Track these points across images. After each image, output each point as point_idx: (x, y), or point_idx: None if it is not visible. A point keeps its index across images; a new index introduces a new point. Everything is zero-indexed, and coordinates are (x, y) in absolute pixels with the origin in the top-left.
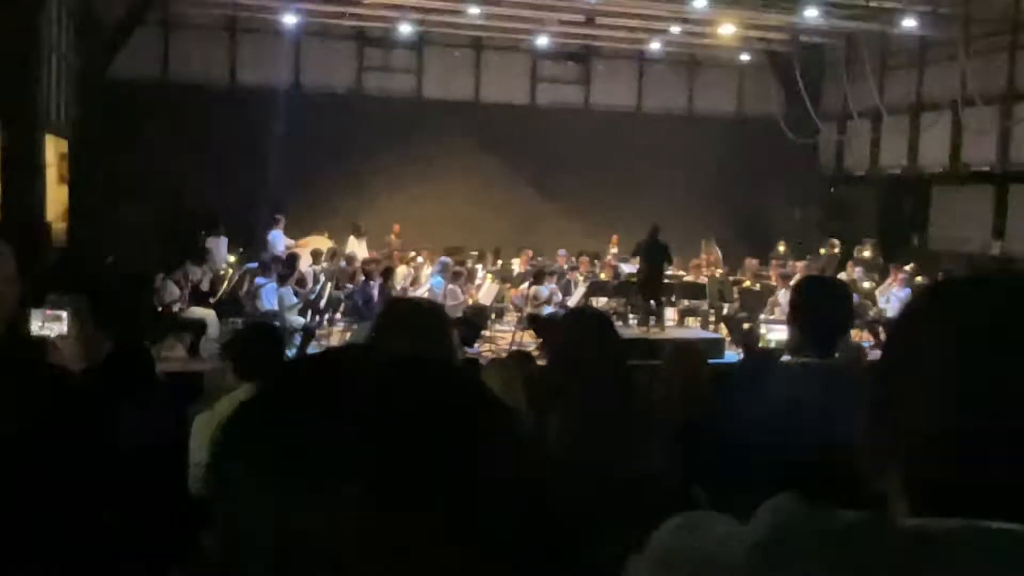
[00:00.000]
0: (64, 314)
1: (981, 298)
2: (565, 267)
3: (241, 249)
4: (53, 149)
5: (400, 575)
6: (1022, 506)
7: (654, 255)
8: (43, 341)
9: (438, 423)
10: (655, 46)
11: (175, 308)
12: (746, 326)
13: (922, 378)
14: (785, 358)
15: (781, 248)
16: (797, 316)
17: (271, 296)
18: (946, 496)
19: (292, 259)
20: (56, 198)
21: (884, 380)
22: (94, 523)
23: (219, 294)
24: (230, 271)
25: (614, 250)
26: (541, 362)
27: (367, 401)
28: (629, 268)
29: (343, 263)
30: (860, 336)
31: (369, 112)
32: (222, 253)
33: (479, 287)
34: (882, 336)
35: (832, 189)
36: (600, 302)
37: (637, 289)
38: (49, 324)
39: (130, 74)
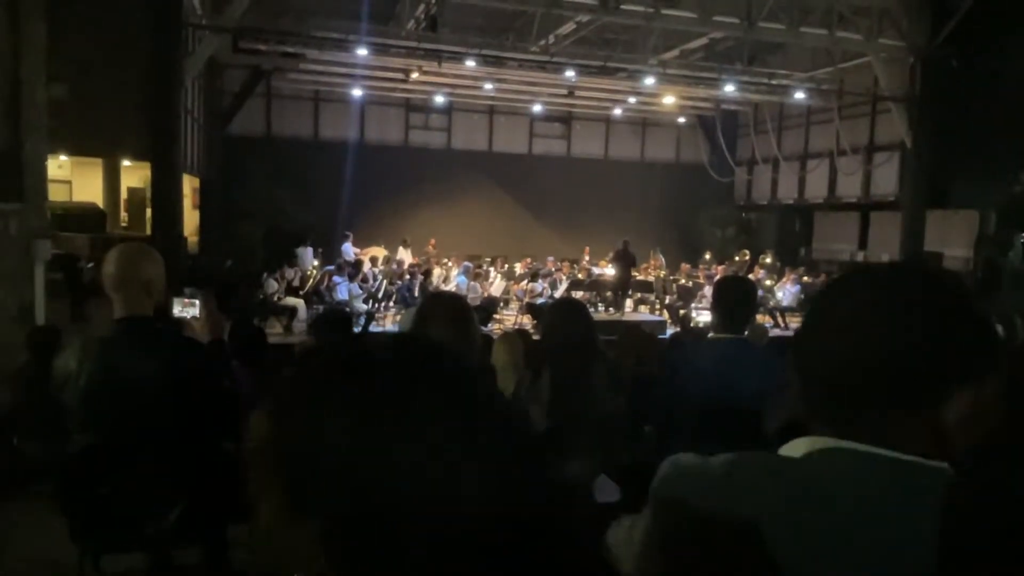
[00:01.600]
0: (197, 301)
1: (858, 287)
2: (552, 269)
3: (321, 253)
4: (188, 185)
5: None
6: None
7: (626, 261)
8: (181, 321)
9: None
10: (617, 111)
11: (274, 298)
12: (681, 312)
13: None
14: (710, 335)
15: (707, 256)
16: (717, 304)
17: (343, 290)
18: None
19: (358, 263)
20: (190, 220)
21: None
22: (215, 453)
23: (306, 288)
24: (314, 272)
25: (587, 258)
26: (536, 337)
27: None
28: (598, 271)
29: (395, 266)
30: (763, 319)
31: (413, 159)
32: (308, 259)
33: (492, 283)
34: (779, 320)
35: (743, 214)
36: (577, 294)
37: (610, 285)
38: (186, 309)
39: (243, 131)
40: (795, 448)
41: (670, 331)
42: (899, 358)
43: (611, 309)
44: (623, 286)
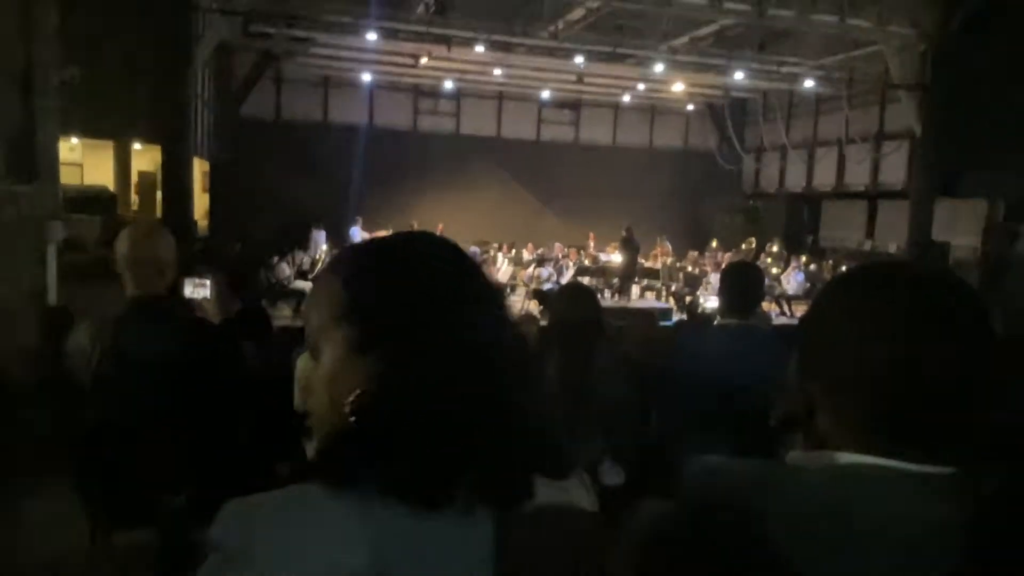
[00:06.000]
0: (208, 282)
1: (873, 285)
2: (560, 255)
3: (330, 238)
4: (198, 168)
5: None
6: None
7: (632, 247)
8: (191, 301)
9: None
10: (625, 98)
11: (285, 281)
12: (688, 299)
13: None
14: (716, 320)
15: (714, 244)
16: (724, 290)
17: None
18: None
19: None
20: (200, 203)
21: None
22: (227, 431)
23: (315, 272)
24: (323, 256)
25: (592, 244)
26: (542, 323)
27: None
28: (605, 257)
29: None
30: (768, 307)
31: (422, 144)
32: (320, 243)
33: (499, 269)
34: (785, 308)
35: (751, 202)
36: (584, 280)
37: (616, 272)
38: (197, 289)
39: (252, 115)
40: (824, 460)
41: (676, 318)
42: (961, 366)
43: (617, 296)
44: (629, 273)
